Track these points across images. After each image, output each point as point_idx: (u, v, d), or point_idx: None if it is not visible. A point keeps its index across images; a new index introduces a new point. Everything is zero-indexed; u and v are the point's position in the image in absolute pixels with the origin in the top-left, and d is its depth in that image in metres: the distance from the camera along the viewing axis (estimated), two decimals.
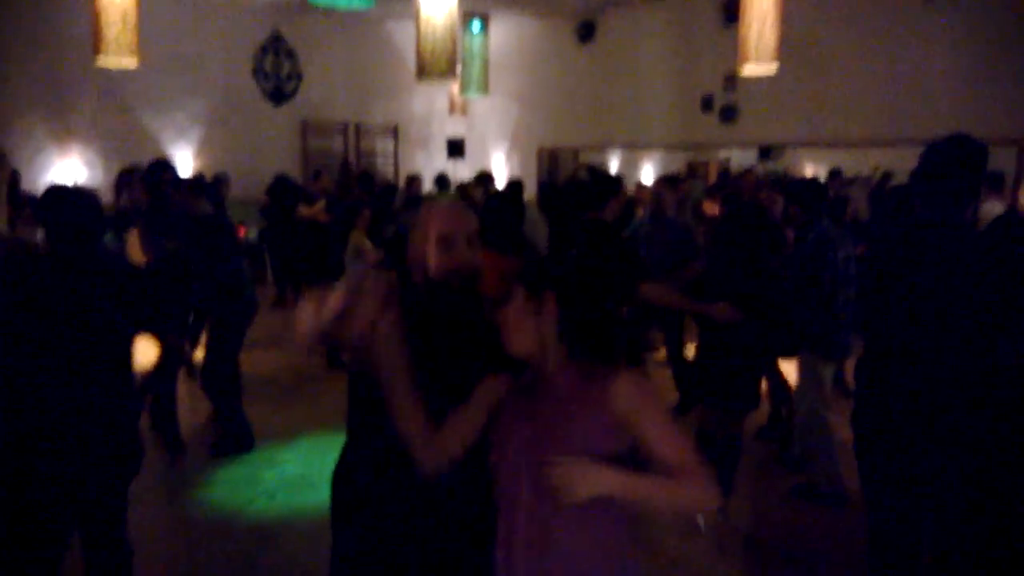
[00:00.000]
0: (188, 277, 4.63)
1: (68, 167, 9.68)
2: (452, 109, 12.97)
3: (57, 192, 2.49)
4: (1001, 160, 8.11)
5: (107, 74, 8.62)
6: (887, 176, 8.96)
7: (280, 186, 9.12)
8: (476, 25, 7.63)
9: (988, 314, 2.22)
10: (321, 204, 8.01)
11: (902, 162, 9.02)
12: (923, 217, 2.38)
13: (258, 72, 11.26)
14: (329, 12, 11.06)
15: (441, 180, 8.95)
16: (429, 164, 12.97)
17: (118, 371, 2.47)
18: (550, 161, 12.44)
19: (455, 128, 13.05)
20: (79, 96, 9.69)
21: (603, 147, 12.06)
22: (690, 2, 10.02)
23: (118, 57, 5.82)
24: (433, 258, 1.82)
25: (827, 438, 4.11)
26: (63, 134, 9.65)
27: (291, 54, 11.50)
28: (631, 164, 12.37)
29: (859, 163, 9.83)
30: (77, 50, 8.74)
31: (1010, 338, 2.23)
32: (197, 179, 6.00)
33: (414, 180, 10.28)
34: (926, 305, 2.29)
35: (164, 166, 4.97)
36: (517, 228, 4.29)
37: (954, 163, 2.31)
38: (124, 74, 8.77)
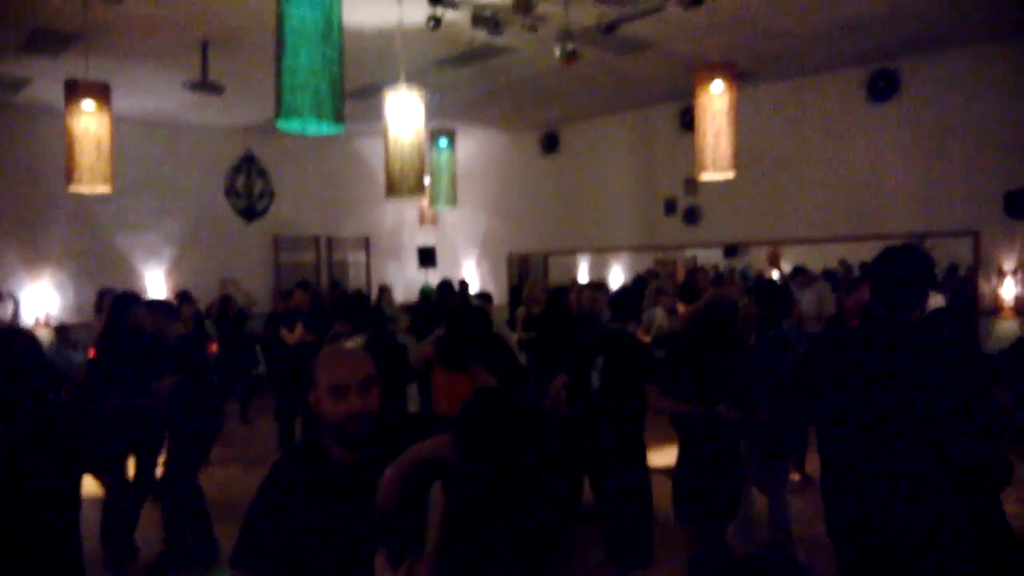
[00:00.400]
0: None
1: (39, 290, 9.65)
2: (422, 220, 13.25)
3: None
4: (958, 250, 8.46)
5: (79, 197, 8.72)
6: (848, 270, 9.22)
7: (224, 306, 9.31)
8: (443, 141, 7.88)
9: (935, 408, 2.30)
10: (300, 327, 8.03)
11: (860, 256, 9.36)
12: (877, 319, 2.51)
13: (230, 191, 11.48)
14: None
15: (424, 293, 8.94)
16: (401, 274, 13.12)
17: (56, 511, 2.35)
18: (520, 266, 12.66)
19: (426, 238, 13.29)
20: (51, 219, 9.79)
21: (571, 252, 12.33)
22: (648, 112, 10.52)
23: (92, 185, 5.91)
24: (326, 406, 1.84)
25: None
26: (34, 257, 9.69)
27: (263, 173, 11.77)
28: (600, 266, 12.63)
29: (823, 257, 10.13)
30: (49, 174, 8.90)
31: (959, 433, 2.29)
32: (166, 301, 6.05)
33: (384, 291, 10.40)
34: (876, 404, 2.38)
35: (132, 299, 4.99)
36: (478, 347, 4.42)
37: (904, 271, 2.47)
38: (96, 197, 8.88)
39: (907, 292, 2.44)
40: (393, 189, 5.80)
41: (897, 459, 2.33)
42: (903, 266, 2.47)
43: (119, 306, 4.85)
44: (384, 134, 5.82)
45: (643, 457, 4.07)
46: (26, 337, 2.45)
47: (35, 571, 2.28)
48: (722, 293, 5.29)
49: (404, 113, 5.77)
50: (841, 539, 2.50)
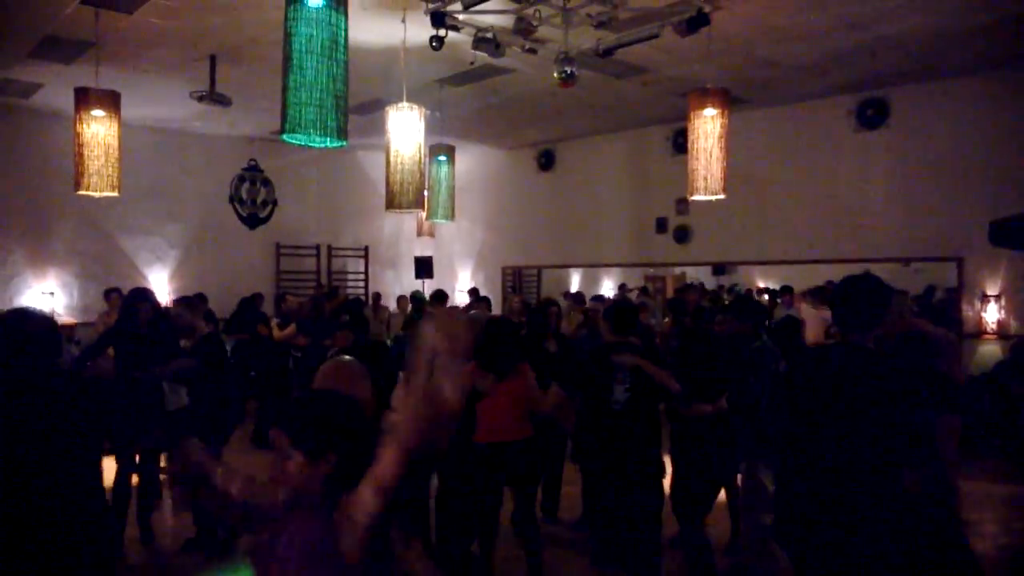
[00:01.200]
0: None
1: (44, 290, 9.82)
2: (420, 231, 13.44)
3: (13, 316, 2.62)
4: (943, 275, 8.64)
5: (86, 201, 8.89)
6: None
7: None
8: (442, 156, 8.10)
9: (882, 426, 2.54)
10: (292, 328, 8.23)
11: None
12: (837, 341, 2.80)
13: (235, 199, 11.70)
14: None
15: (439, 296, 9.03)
16: (398, 283, 13.30)
17: (81, 477, 2.55)
18: (514, 279, 12.86)
19: (423, 249, 13.48)
20: (58, 222, 10.01)
21: (564, 266, 12.53)
22: (641, 134, 10.75)
23: (100, 190, 6.09)
24: None
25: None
26: (40, 258, 9.90)
27: (267, 182, 11.98)
28: (592, 281, 12.83)
29: (811, 277, 10.31)
30: (58, 177, 9.08)
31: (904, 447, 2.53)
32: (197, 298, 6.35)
33: (380, 298, 10.70)
34: (831, 418, 2.61)
35: (142, 294, 5.24)
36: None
37: (861, 296, 2.70)
38: (103, 201, 9.05)
39: (863, 317, 2.67)
40: (393, 202, 6.01)
41: (849, 464, 2.57)
42: (859, 293, 2.70)
43: (132, 299, 5.14)
44: (386, 149, 6.03)
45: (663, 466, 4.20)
46: (40, 317, 2.66)
47: (64, 534, 2.45)
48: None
49: (405, 129, 5.99)
50: (793, 541, 2.72)
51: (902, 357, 2.83)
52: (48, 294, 9.80)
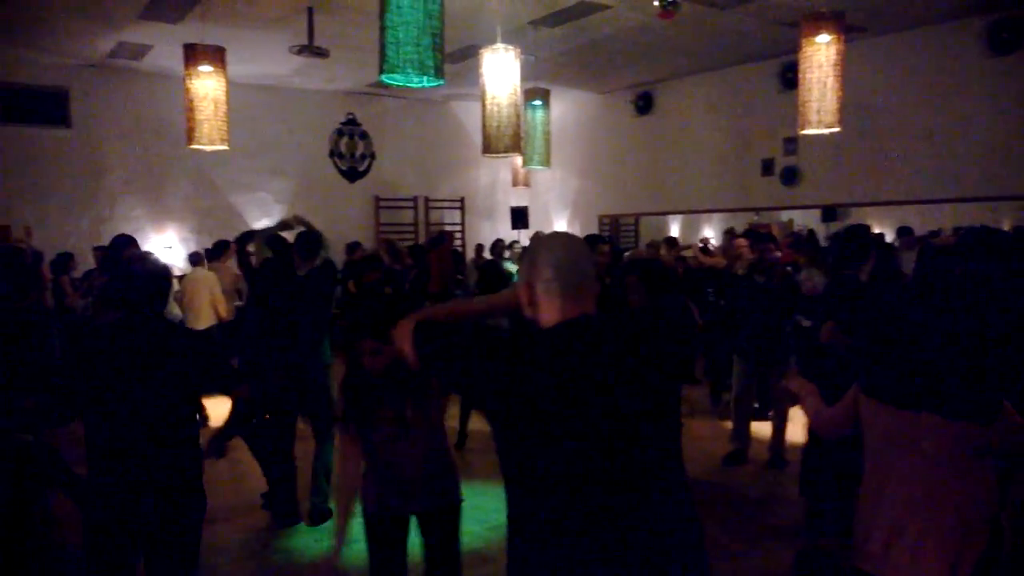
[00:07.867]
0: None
1: (164, 244, 10.43)
2: (515, 181, 13.39)
3: (131, 265, 2.73)
4: None
5: (198, 159, 9.32)
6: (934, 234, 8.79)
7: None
8: (537, 100, 7.97)
9: None
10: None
11: (978, 219, 8.84)
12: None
13: (334, 153, 11.98)
14: (399, 95, 11.76)
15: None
16: (494, 233, 13.35)
17: (179, 423, 2.65)
18: (611, 227, 12.65)
19: (519, 199, 13.44)
20: (174, 179, 10.56)
21: (663, 213, 12.22)
22: (746, 71, 10.22)
23: (211, 143, 6.32)
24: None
25: None
26: (160, 214, 10.52)
27: (364, 136, 12.19)
28: (691, 228, 12.49)
29: (927, 220, 9.66)
30: (171, 137, 9.53)
31: None
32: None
33: (481, 249, 10.79)
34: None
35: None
36: None
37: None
38: (214, 159, 9.48)
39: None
40: (490, 147, 5.95)
41: None
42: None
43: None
44: (481, 93, 5.96)
45: None
46: (160, 267, 2.82)
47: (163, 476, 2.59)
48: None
49: (500, 72, 5.89)
50: None
51: None
52: (167, 248, 10.37)
